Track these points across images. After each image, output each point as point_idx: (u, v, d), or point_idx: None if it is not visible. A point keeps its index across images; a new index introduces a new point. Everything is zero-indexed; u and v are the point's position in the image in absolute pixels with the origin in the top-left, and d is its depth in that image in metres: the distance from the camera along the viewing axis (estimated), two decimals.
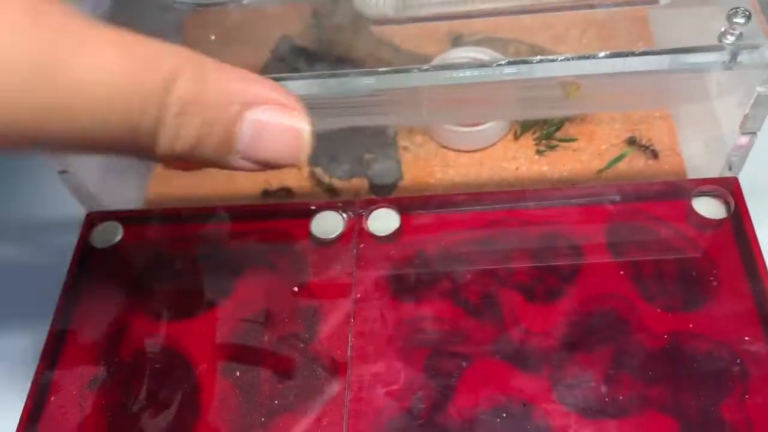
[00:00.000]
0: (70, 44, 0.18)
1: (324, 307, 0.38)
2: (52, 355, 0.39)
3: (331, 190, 0.46)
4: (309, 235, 0.41)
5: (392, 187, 0.47)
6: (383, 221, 0.40)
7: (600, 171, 0.45)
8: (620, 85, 0.35)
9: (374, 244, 0.40)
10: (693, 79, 0.34)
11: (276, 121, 0.22)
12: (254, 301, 0.39)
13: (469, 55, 0.48)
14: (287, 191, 0.47)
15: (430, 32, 0.48)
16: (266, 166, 0.23)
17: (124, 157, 0.21)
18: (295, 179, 0.48)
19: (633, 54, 0.33)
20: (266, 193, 0.47)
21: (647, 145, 0.45)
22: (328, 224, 0.41)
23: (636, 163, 0.45)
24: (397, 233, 0.40)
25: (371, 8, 0.43)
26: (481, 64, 0.34)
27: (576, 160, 0.46)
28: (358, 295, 0.38)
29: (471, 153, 0.47)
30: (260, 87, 0.22)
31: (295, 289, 0.39)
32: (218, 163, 0.23)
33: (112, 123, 0.19)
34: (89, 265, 0.42)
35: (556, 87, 0.34)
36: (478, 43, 0.47)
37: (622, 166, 0.45)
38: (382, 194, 0.46)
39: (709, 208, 0.39)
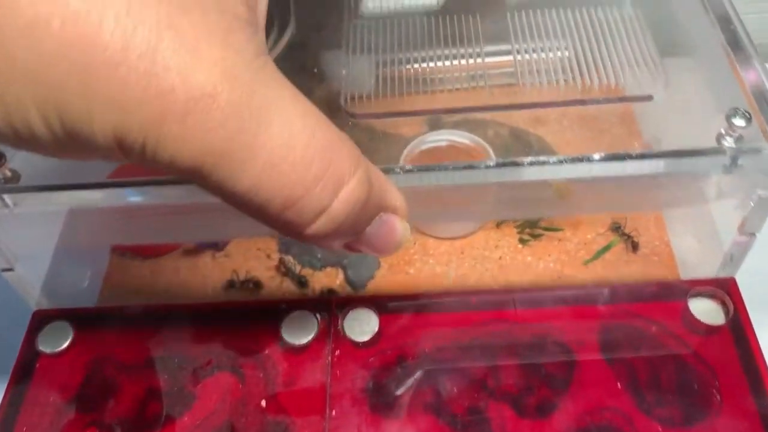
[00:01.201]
0: (269, 98, 0.20)
1: (295, 424, 0.34)
2: None
3: (302, 283, 0.43)
4: (279, 338, 0.37)
5: (369, 276, 0.44)
6: (361, 323, 0.37)
7: (587, 262, 0.43)
8: (613, 186, 0.33)
9: (351, 349, 0.37)
10: (691, 182, 0.32)
11: (394, 225, 0.25)
12: (218, 414, 0.36)
13: (447, 138, 0.45)
14: (255, 283, 0.43)
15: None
16: (357, 250, 0.25)
17: (252, 215, 0.21)
18: (264, 268, 0.45)
19: (629, 157, 0.31)
20: (232, 284, 0.44)
21: (629, 234, 0.43)
22: (300, 326, 0.38)
23: (623, 254, 0.43)
24: (376, 338, 0.37)
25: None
26: (468, 166, 0.32)
27: (561, 250, 0.43)
28: (333, 412, 0.34)
29: (451, 241, 0.45)
30: (395, 195, 0.24)
31: (263, 402, 0.35)
32: (325, 242, 0.24)
33: (274, 182, 0.20)
34: (34, 372, 0.38)
35: (546, 189, 0.32)
36: (457, 124, 0.45)
37: (610, 257, 0.43)
38: (359, 284, 0.43)
39: (706, 310, 0.36)
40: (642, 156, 0.31)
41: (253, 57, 0.20)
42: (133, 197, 0.33)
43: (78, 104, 0.18)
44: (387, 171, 0.32)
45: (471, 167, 0.32)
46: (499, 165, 0.31)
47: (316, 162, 0.20)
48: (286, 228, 0.22)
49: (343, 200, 0.21)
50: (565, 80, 0.38)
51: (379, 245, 0.25)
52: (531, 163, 0.31)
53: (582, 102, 0.34)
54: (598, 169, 0.31)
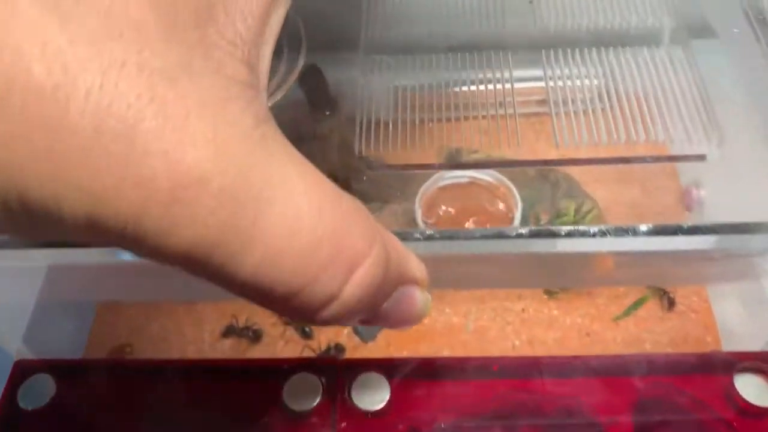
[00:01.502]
0: (270, 174, 0.17)
1: None
2: None
3: (306, 333, 0.40)
4: (280, 403, 0.34)
5: (379, 327, 0.41)
6: (370, 390, 0.34)
7: (617, 318, 0.39)
8: (657, 259, 0.29)
9: (359, 419, 0.33)
10: (746, 259, 0.29)
11: (413, 298, 0.22)
12: None
13: (468, 174, 0.42)
14: (254, 332, 0.40)
15: (424, 148, 0.42)
16: (373, 325, 0.23)
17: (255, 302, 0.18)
18: (266, 315, 0.41)
19: (681, 230, 0.27)
20: (231, 330, 0.41)
21: (665, 290, 0.40)
22: (303, 390, 0.34)
23: (657, 310, 0.40)
24: (387, 407, 0.33)
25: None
26: (497, 234, 0.28)
27: (590, 303, 0.40)
28: None
29: (470, 289, 0.41)
30: (414, 265, 0.22)
31: None
32: (338, 324, 0.21)
33: (276, 272, 0.17)
34: (14, 429, 0.35)
35: (583, 261, 0.29)
36: (478, 162, 0.42)
37: (643, 313, 0.40)
38: (368, 335, 0.40)
39: (752, 388, 0.33)
40: (693, 230, 0.27)
41: (252, 127, 0.17)
42: (122, 255, 0.30)
43: (43, 189, 0.15)
44: (406, 237, 0.29)
45: (500, 236, 0.28)
46: (532, 235, 0.28)
47: (325, 245, 0.17)
48: (292, 315, 0.19)
49: (357, 283, 0.18)
50: (604, 112, 0.35)
51: (398, 320, 0.22)
52: (568, 234, 0.28)
53: (626, 160, 0.31)
54: (644, 243, 0.27)
